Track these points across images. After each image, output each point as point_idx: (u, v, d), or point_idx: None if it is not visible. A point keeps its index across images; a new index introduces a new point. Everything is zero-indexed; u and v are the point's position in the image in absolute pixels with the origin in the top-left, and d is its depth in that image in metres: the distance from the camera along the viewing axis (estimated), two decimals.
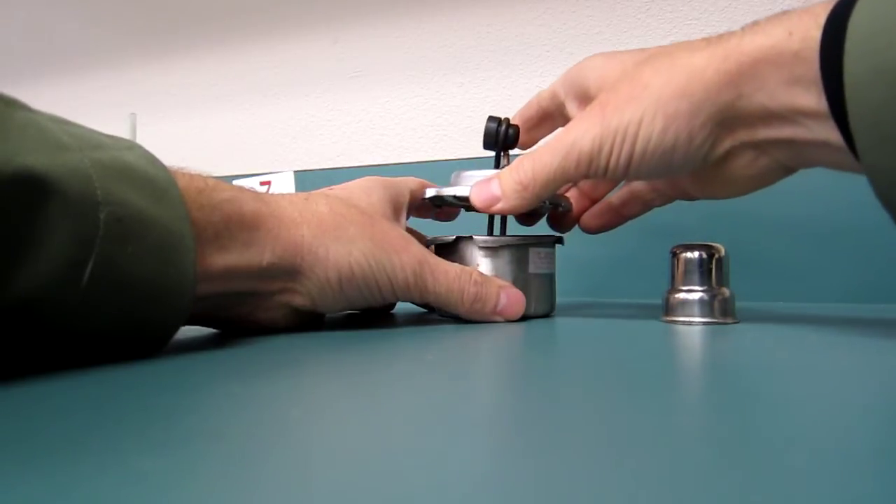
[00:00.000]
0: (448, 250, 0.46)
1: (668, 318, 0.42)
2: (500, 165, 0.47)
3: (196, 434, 0.16)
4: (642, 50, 0.40)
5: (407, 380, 0.24)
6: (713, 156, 0.37)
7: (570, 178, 0.40)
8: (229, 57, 0.91)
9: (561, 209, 0.47)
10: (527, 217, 0.51)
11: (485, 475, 0.13)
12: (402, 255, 0.37)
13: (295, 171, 0.85)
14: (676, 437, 0.16)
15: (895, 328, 0.39)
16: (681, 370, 0.26)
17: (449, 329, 0.39)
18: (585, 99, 0.43)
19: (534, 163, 0.40)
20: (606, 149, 0.37)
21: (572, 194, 0.50)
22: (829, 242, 0.61)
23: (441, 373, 0.26)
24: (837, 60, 0.29)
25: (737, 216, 0.63)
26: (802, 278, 0.62)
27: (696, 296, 0.41)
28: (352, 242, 0.35)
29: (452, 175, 0.46)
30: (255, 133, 0.90)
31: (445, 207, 0.49)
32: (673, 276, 0.42)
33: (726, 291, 0.41)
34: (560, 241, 0.47)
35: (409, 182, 0.45)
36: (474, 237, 0.44)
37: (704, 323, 0.40)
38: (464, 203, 0.44)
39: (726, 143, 0.37)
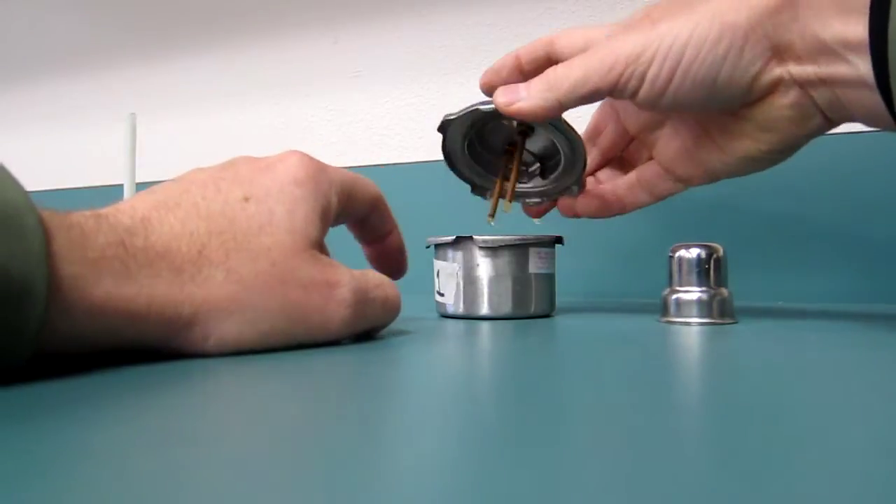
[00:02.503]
0: (447, 250, 0.46)
1: (666, 319, 0.42)
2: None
3: None
4: None
5: (407, 380, 0.24)
6: (759, 84, 0.35)
7: (598, 84, 0.36)
8: (229, 57, 0.91)
9: (574, 191, 0.46)
10: (536, 203, 0.49)
11: (481, 476, 0.13)
12: (325, 313, 0.30)
13: None
14: (673, 438, 0.16)
15: (894, 326, 0.39)
16: (678, 371, 0.26)
17: (448, 328, 0.39)
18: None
19: (565, 66, 0.37)
20: (649, 54, 0.35)
21: (591, 159, 0.47)
22: (829, 242, 0.61)
23: (438, 373, 0.26)
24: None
25: (736, 216, 0.63)
26: (801, 278, 0.62)
27: (695, 296, 0.41)
28: (252, 323, 0.28)
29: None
30: (254, 133, 0.90)
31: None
32: (671, 277, 0.42)
33: (725, 292, 0.41)
34: (560, 240, 0.47)
35: (349, 185, 0.35)
36: (474, 237, 0.45)
37: (702, 323, 0.40)
38: (480, 112, 0.42)
39: (775, 72, 0.35)
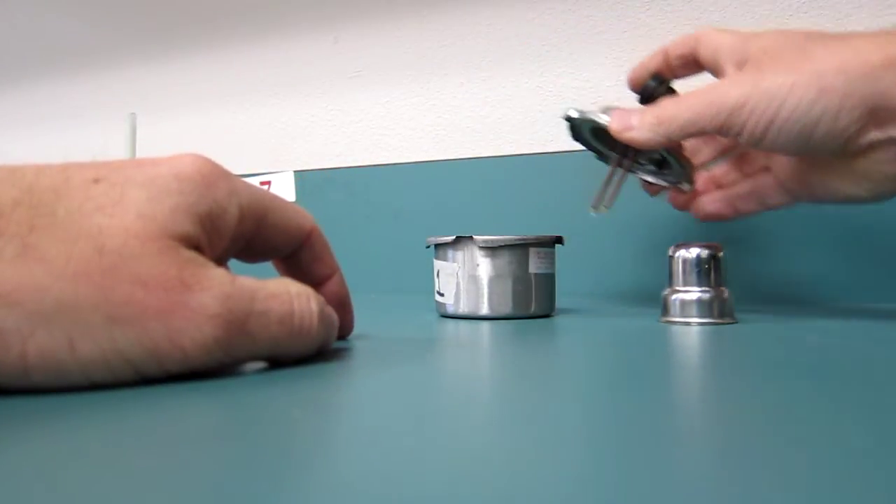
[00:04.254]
0: (447, 250, 0.46)
1: (667, 319, 0.42)
2: None
3: None
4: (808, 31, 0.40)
5: (408, 380, 0.24)
6: (854, 145, 0.37)
7: (705, 126, 0.39)
8: (229, 56, 0.91)
9: (685, 188, 0.48)
10: (650, 184, 0.51)
11: (481, 474, 0.13)
12: (171, 323, 0.22)
13: (295, 171, 0.85)
14: (674, 439, 0.16)
15: (893, 326, 0.39)
16: (678, 372, 0.26)
17: (448, 328, 0.39)
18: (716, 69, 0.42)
19: (675, 103, 0.40)
20: (750, 106, 0.37)
21: (702, 177, 0.50)
22: (831, 242, 0.61)
23: (438, 373, 0.26)
24: None
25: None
26: (801, 277, 0.62)
27: (695, 296, 0.41)
28: (60, 327, 0.20)
29: (605, 107, 0.45)
30: (254, 133, 0.90)
31: None
32: (671, 277, 0.42)
33: (725, 292, 0.41)
34: (560, 241, 0.47)
35: (262, 204, 0.28)
36: (474, 237, 0.45)
37: (702, 323, 0.40)
38: (596, 125, 0.45)
39: (871, 135, 0.36)
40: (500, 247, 0.45)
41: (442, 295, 0.47)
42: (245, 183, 0.27)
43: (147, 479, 0.13)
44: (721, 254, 0.41)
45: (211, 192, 0.25)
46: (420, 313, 0.50)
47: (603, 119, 0.44)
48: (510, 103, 0.76)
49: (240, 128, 0.91)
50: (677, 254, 0.42)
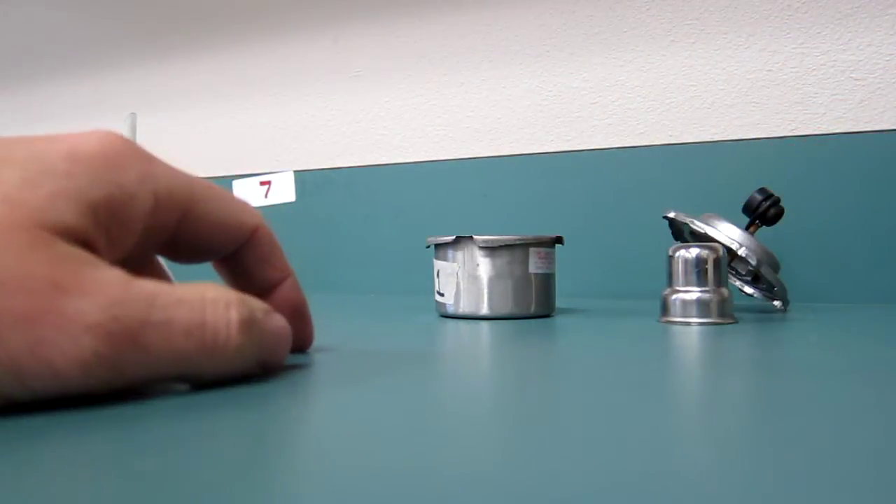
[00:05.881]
0: (447, 250, 0.46)
1: (666, 319, 0.42)
2: (747, 229, 0.49)
3: None
4: None
5: (416, 382, 0.24)
6: None
7: None
8: (229, 56, 0.91)
9: (777, 305, 0.49)
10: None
11: (481, 474, 0.13)
12: (36, 333, 0.18)
13: (295, 171, 0.85)
14: (673, 438, 0.16)
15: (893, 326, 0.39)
16: (678, 371, 0.26)
17: (448, 328, 0.39)
18: None
19: None
20: None
21: None
22: (827, 241, 0.61)
23: (442, 374, 0.26)
24: None
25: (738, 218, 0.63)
26: (803, 277, 0.62)
27: (695, 296, 0.41)
28: None
29: (704, 214, 0.47)
30: (254, 132, 0.90)
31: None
32: (671, 277, 0.42)
33: (724, 292, 0.41)
34: (560, 241, 0.47)
35: (188, 192, 0.24)
36: (474, 237, 0.45)
37: (702, 323, 0.40)
38: (701, 237, 0.46)
39: None
40: (500, 247, 0.45)
41: (442, 295, 0.47)
42: (168, 167, 0.23)
43: None
44: (721, 254, 0.41)
45: (113, 174, 0.21)
46: (419, 313, 0.50)
47: (696, 226, 0.45)
48: (510, 103, 0.76)
49: (240, 127, 0.91)
50: (677, 254, 0.42)
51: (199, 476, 0.13)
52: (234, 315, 0.21)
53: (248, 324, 0.22)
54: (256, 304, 0.23)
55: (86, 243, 0.20)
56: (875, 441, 0.15)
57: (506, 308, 0.45)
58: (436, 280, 0.48)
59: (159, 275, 0.27)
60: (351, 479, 0.13)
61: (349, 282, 0.81)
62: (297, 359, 0.28)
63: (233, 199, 0.26)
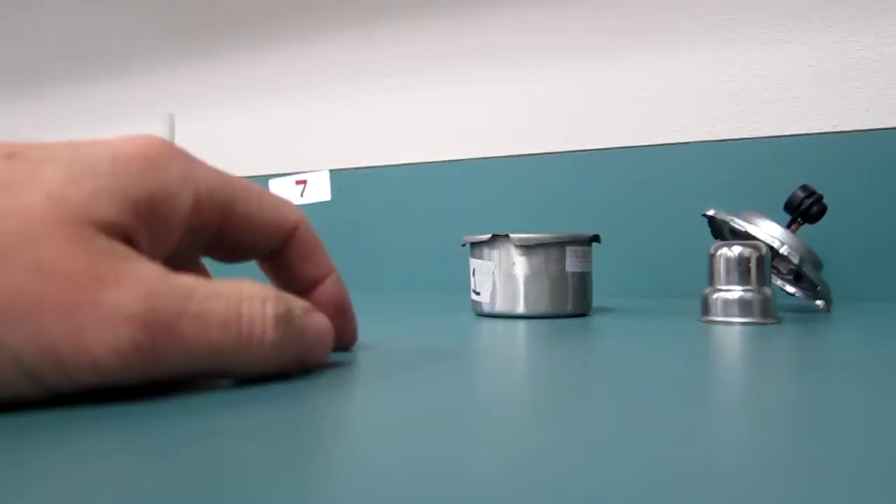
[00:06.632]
0: (483, 248, 0.46)
1: (707, 319, 0.41)
2: (789, 227, 0.48)
3: None
4: None
5: (456, 381, 0.24)
6: None
7: None
8: (266, 57, 0.92)
9: (819, 304, 0.48)
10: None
11: (519, 473, 0.13)
12: (75, 323, 0.18)
13: (331, 170, 0.85)
14: (716, 439, 0.15)
15: None
16: (722, 372, 0.25)
17: (484, 327, 0.39)
18: None
19: None
20: None
21: None
22: (858, 242, 0.60)
23: (481, 372, 0.26)
24: None
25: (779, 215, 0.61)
26: (843, 278, 0.60)
27: (737, 295, 0.40)
28: None
29: (744, 212, 0.46)
30: (290, 132, 0.91)
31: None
32: (712, 276, 0.41)
33: (767, 291, 0.40)
34: (597, 239, 0.47)
35: (228, 191, 0.24)
36: (511, 235, 0.44)
37: (744, 323, 0.40)
38: (741, 235, 0.45)
39: None
40: (537, 245, 0.44)
41: (478, 293, 0.47)
42: (208, 167, 0.23)
43: None
44: (764, 253, 0.41)
45: (155, 174, 0.21)
46: (455, 312, 0.50)
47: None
48: (547, 100, 0.76)
49: (276, 126, 0.92)
50: (719, 252, 0.41)
51: (237, 471, 0.13)
52: (269, 310, 0.22)
53: (285, 320, 0.22)
54: (295, 302, 0.23)
55: (127, 239, 0.20)
56: None
57: (542, 307, 0.45)
58: (471, 279, 0.48)
59: (204, 277, 0.27)
60: (387, 476, 0.13)
61: (383, 280, 0.82)
62: (341, 356, 0.28)
63: (273, 197, 0.26)
